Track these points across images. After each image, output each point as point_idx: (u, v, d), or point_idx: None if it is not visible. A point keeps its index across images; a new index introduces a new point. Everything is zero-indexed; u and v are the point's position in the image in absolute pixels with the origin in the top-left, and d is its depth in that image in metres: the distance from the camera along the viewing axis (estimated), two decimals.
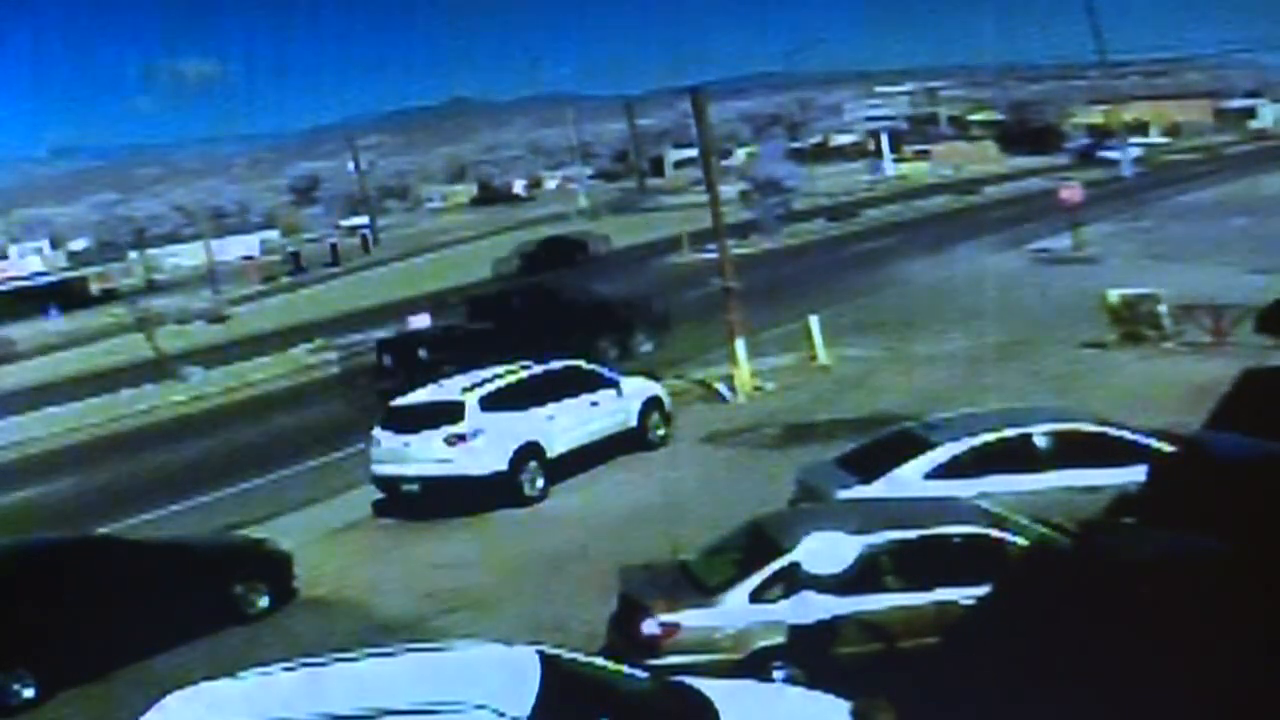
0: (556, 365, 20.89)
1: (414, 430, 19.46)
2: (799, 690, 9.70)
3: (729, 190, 48.57)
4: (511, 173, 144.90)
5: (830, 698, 8.87)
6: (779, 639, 10.67)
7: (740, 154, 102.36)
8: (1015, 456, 13.85)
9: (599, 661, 9.56)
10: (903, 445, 14.65)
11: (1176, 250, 36.46)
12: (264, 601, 15.59)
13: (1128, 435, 14.03)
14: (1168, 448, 13.39)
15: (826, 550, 10.35)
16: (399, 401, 20.83)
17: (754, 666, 10.40)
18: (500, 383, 19.97)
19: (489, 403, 19.42)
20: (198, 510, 22.28)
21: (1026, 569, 10.53)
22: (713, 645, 10.68)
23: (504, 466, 19.13)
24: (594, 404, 20.80)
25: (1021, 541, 10.99)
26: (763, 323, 29.68)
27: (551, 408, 20.06)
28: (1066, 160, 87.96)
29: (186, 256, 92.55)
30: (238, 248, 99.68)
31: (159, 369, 41.90)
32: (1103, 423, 14.52)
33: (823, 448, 17.93)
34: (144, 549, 15.65)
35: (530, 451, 19.48)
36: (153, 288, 72.59)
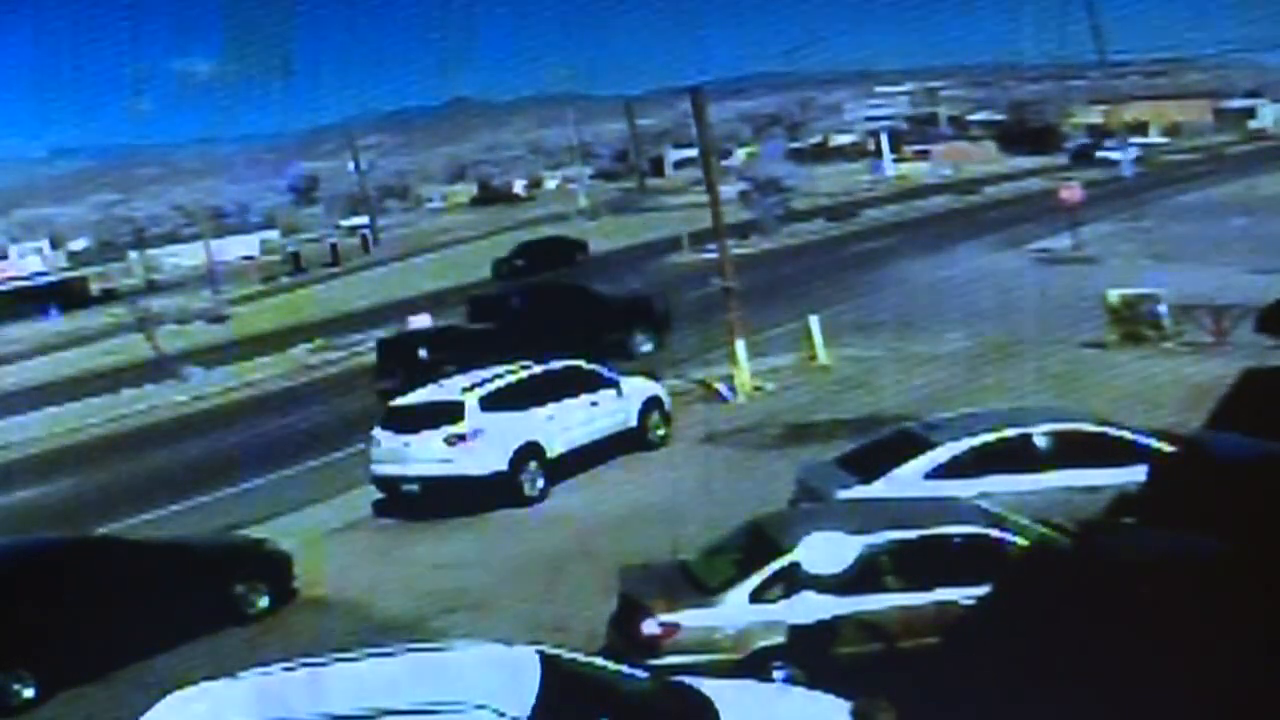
0: (556, 365, 20.89)
1: (414, 430, 19.46)
2: (799, 690, 9.70)
3: (729, 190, 48.60)
4: (511, 173, 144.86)
5: (830, 698, 8.87)
6: (779, 639, 10.67)
7: (740, 154, 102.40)
8: (1015, 456, 13.85)
9: (599, 661, 9.56)
10: (903, 445, 14.65)
11: (1176, 250, 36.46)
12: (264, 601, 15.58)
13: (1128, 435, 14.03)
14: (1168, 448, 13.38)
15: (826, 550, 10.35)
16: (399, 401, 20.85)
17: (754, 666, 10.40)
18: (500, 383, 19.97)
19: (489, 403, 19.42)
20: (198, 510, 22.27)
21: (1026, 569, 10.53)
22: (713, 645, 10.68)
23: (504, 466, 19.13)
24: (594, 404, 20.80)
25: (1021, 541, 10.99)
26: (763, 323, 29.69)
27: (551, 408, 20.06)
28: (1066, 160, 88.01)
29: (186, 256, 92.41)
30: (238, 248, 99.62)
31: (159, 369, 41.93)
32: (1103, 423, 14.52)
33: (823, 448, 17.92)
34: (144, 549, 15.65)
35: (530, 451, 19.48)
36: (153, 288, 72.46)
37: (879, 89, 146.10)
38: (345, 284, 71.78)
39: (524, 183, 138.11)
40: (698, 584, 11.37)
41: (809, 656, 10.54)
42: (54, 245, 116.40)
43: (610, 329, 30.75)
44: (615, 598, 11.84)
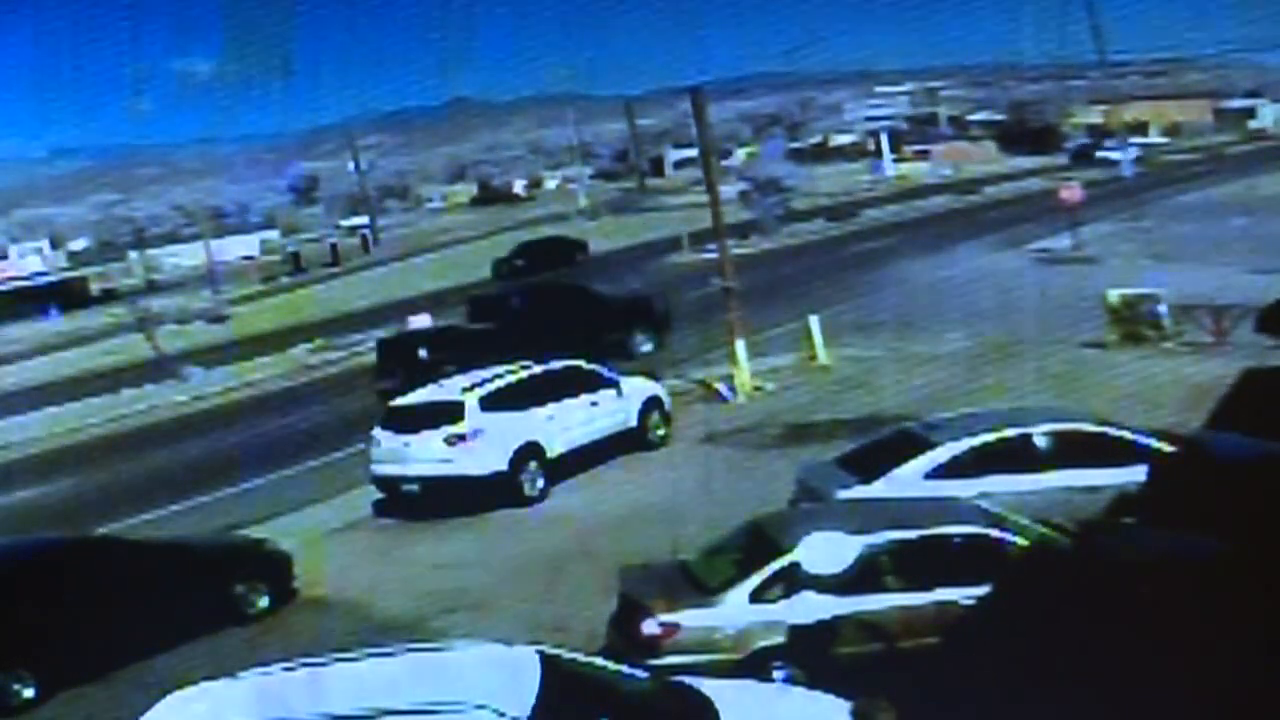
0: (556, 365, 20.89)
1: (414, 430, 19.46)
2: (799, 690, 9.70)
3: (729, 190, 48.59)
4: (511, 173, 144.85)
5: (830, 698, 8.87)
6: (779, 639, 10.67)
7: (740, 154, 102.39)
8: (1015, 456, 13.86)
9: (599, 661, 9.56)
10: (903, 445, 14.65)
11: (1176, 250, 36.46)
12: (264, 601, 15.59)
13: (1128, 435, 14.04)
14: (1168, 448, 13.39)
15: (826, 550, 10.35)
16: (399, 401, 20.85)
17: (754, 666, 10.40)
18: (500, 383, 19.97)
19: (489, 403, 19.43)
20: (198, 510, 22.27)
21: (1026, 569, 10.53)
22: (713, 645, 10.68)
23: (504, 466, 19.13)
24: (594, 404, 20.80)
25: (1021, 541, 10.99)
26: (763, 323, 29.69)
27: (551, 408, 20.06)
28: (1066, 160, 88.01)
29: (186, 256, 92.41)
30: (238, 248, 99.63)
31: (159, 369, 41.93)
32: (1103, 423, 14.52)
33: (823, 448, 17.92)
34: (144, 549, 15.65)
35: (530, 451, 19.48)
36: (153, 288, 72.45)
37: (879, 89, 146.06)
38: (345, 284, 71.78)
39: (524, 183, 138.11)
40: (698, 584, 11.37)
41: (809, 656, 10.54)
42: (54, 245, 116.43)
43: (610, 329, 30.75)
44: (615, 598, 11.84)
